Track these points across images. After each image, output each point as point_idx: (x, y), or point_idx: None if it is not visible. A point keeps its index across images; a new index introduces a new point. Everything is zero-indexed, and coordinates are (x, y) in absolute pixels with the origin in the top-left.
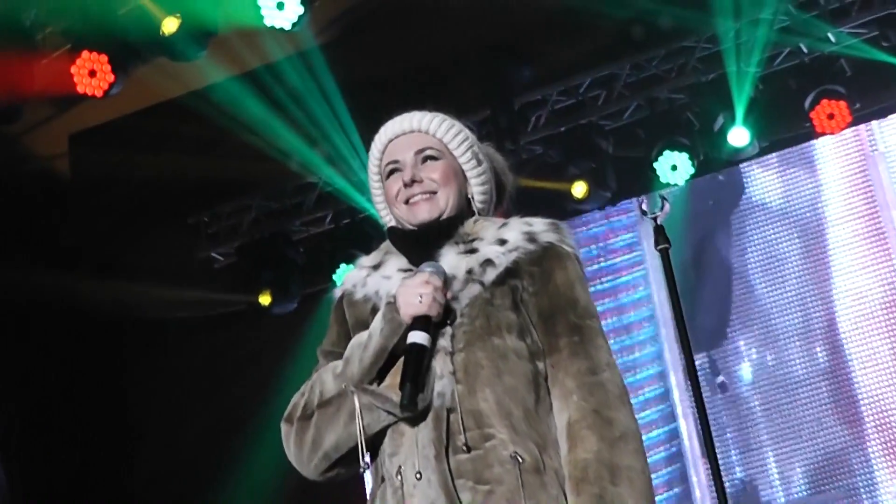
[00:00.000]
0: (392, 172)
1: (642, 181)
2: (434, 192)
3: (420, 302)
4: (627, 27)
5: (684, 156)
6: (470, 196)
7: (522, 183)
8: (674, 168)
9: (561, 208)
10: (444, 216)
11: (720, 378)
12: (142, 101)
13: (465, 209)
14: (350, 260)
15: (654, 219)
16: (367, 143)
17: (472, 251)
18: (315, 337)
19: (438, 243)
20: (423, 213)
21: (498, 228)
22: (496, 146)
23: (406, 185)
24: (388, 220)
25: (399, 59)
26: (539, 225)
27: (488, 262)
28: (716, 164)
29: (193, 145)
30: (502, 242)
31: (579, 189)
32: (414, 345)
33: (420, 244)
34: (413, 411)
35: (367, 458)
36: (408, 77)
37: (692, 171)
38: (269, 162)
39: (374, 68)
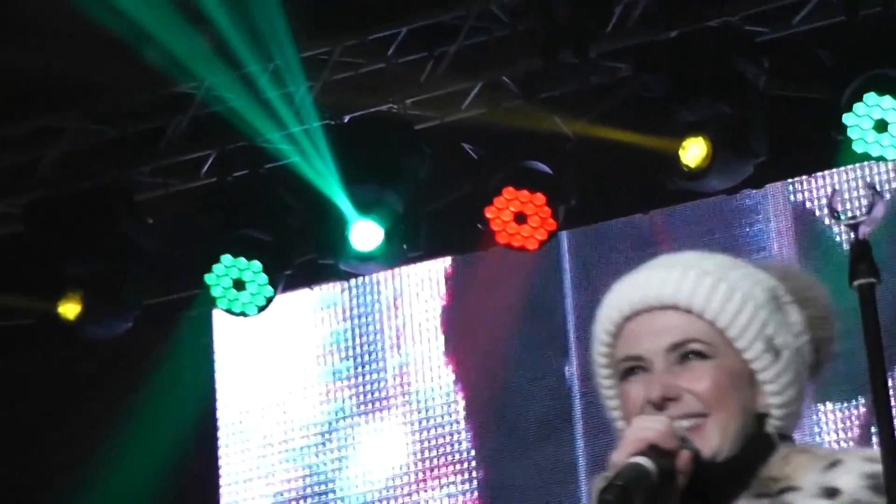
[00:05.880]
0: (631, 372)
1: (820, 147)
2: (702, 416)
3: (643, 436)
4: None
5: None
6: (763, 410)
7: (585, 131)
8: (881, 126)
9: (655, 186)
10: (722, 457)
11: None
12: None
13: (753, 432)
14: (242, 247)
15: (854, 227)
16: (297, 22)
17: None
18: (172, 390)
19: (726, 492)
20: None
21: (824, 469)
22: (543, 70)
23: (655, 406)
24: None
25: None
26: None
27: None
28: None
29: None
30: (832, 493)
31: (695, 151)
32: (631, 464)
33: (693, 496)
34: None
35: None
36: None
37: None
38: (101, 49)
39: None
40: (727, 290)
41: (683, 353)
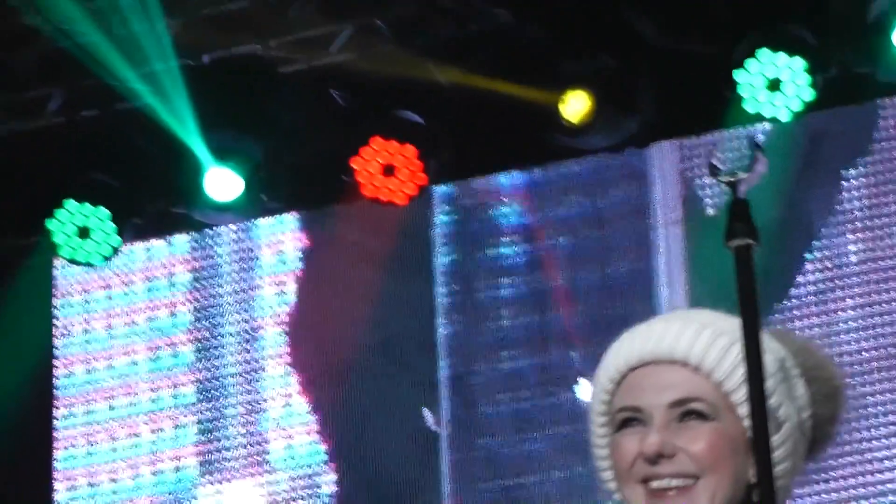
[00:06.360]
0: (627, 424)
1: (708, 106)
2: (694, 478)
3: None
4: None
5: (798, 63)
6: (755, 479)
7: (461, 80)
8: (774, 85)
9: (534, 141)
10: None
11: None
12: None
13: (741, 502)
14: (89, 192)
15: (732, 184)
16: None
17: None
18: (7, 343)
19: None
20: None
21: None
22: (418, 14)
23: (647, 460)
24: (613, 492)
25: None
26: None
27: None
28: (864, 85)
29: None
30: None
31: (576, 105)
32: None
33: None
34: None
35: None
36: None
37: (811, 95)
38: None
39: None
40: (739, 353)
41: (684, 412)
